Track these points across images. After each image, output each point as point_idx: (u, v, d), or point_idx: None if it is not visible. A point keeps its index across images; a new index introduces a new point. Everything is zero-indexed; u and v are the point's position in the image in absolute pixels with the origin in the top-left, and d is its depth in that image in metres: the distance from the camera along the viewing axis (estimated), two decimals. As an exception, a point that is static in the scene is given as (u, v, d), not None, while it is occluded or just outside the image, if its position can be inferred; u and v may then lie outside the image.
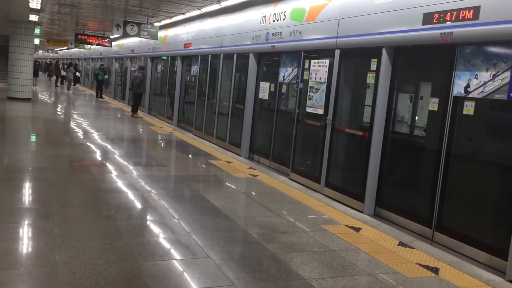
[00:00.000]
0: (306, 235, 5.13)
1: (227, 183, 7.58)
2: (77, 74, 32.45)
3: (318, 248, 4.73)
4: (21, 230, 4.60)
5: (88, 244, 4.31)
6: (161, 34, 16.39)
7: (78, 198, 5.99)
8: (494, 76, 4.77)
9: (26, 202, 5.69)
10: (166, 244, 4.52)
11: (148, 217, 5.43)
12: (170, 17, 14.55)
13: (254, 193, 7.03)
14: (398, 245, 5.03)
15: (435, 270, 4.36)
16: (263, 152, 9.74)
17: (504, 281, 4.27)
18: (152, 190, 6.52)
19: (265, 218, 5.65)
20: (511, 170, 4.64)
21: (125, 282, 3.57)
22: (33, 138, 10.87)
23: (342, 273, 4.16)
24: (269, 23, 9.18)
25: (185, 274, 3.88)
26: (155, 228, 5.03)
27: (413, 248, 4.96)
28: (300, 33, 8.06)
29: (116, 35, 19.35)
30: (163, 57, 17.22)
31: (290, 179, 8.05)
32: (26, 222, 4.83)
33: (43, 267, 3.74)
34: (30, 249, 4.15)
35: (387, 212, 6.13)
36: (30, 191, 6.16)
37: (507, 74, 4.63)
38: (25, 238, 4.42)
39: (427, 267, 4.43)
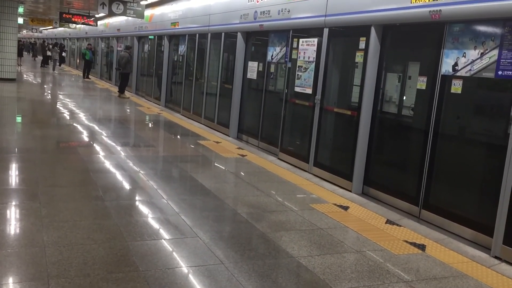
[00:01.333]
0: (294, 214, 5.16)
1: (215, 163, 7.57)
2: (63, 54, 31.95)
3: (306, 227, 4.76)
4: (8, 211, 4.56)
5: (76, 224, 4.29)
6: (148, 13, 16.15)
7: (66, 178, 5.94)
8: (482, 54, 4.77)
9: (13, 183, 5.63)
10: (155, 224, 4.51)
11: (137, 197, 5.41)
12: (157, -5, 14.34)
13: (243, 173, 7.03)
14: (386, 223, 5.09)
15: (422, 247, 4.42)
16: (251, 132, 9.72)
17: (489, 257, 4.34)
18: (140, 171, 6.49)
19: (254, 198, 5.66)
20: (497, 148, 4.67)
21: (114, 262, 3.57)
22: (18, 119, 10.72)
23: (330, 250, 4.19)
24: (257, 2, 9.07)
25: (174, 253, 3.88)
26: (143, 208, 5.02)
27: (401, 226, 5.01)
28: (289, 11, 7.98)
29: (101, 14, 19.02)
30: (150, 37, 16.99)
31: (279, 158, 8.06)
32: (13, 203, 4.78)
33: (31, 248, 3.71)
34: (17, 230, 4.12)
35: (375, 190, 6.17)
36: (17, 172, 6.09)
37: (495, 52, 4.64)
38: (12, 219, 4.38)
39: (414, 244, 4.49)
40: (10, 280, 3.21)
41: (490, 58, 4.69)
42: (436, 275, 3.85)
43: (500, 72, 4.57)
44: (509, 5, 4.35)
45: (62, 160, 6.95)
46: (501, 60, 4.56)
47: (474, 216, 4.91)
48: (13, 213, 4.52)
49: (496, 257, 4.32)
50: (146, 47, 17.82)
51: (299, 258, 3.96)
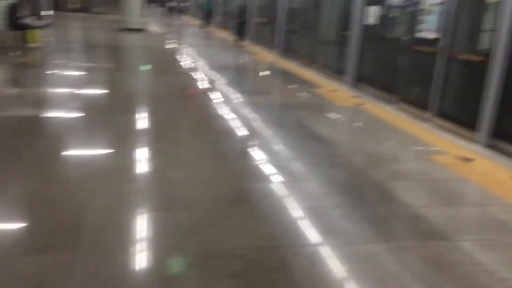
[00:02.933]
0: (411, 163, 5.02)
1: (330, 111, 7.54)
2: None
3: (424, 177, 4.62)
4: (139, 150, 5.02)
5: (200, 164, 4.62)
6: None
7: (189, 122, 6.35)
8: None
9: (143, 125, 6.15)
10: (270, 168, 4.69)
11: (252, 142, 5.63)
12: None
13: (358, 122, 6.93)
14: (514, 177, 4.75)
15: (554, 205, 4.09)
16: (369, 80, 9.44)
17: None
18: (257, 117, 6.70)
19: (369, 146, 5.59)
20: None
21: (233, 201, 3.81)
22: (147, 68, 11.52)
23: (449, 202, 4.05)
24: None
25: (289, 195, 4.02)
26: (259, 153, 5.22)
27: (531, 182, 4.66)
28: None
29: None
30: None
31: (398, 108, 7.78)
32: (144, 142, 5.24)
33: (162, 182, 4.09)
34: (150, 167, 4.53)
35: (504, 143, 5.74)
36: (146, 115, 6.62)
37: None
38: (144, 158, 4.82)
39: (545, 201, 4.16)
40: (146, 208, 3.59)
41: None
42: None
43: None
44: None
45: (185, 105, 7.41)
46: None
47: None
48: (144, 153, 4.97)
49: None
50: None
51: (416, 208, 3.89)
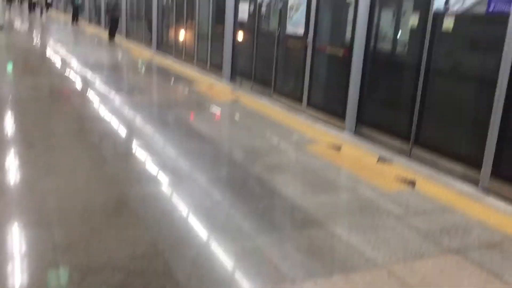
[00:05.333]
0: (288, 155, 5.26)
1: (209, 108, 7.60)
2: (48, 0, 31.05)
3: (300, 167, 4.87)
4: (6, 160, 4.63)
5: (74, 172, 4.39)
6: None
7: (61, 127, 5.98)
8: (475, -11, 4.71)
9: (9, 132, 5.68)
10: (152, 169, 4.61)
11: (133, 143, 5.48)
12: None
13: (236, 116, 7.08)
14: (378, 161, 5.20)
15: (412, 183, 4.55)
16: (245, 75, 9.67)
17: (477, 191, 4.49)
18: (135, 117, 6.53)
19: (248, 141, 5.75)
20: (487, 84, 4.70)
21: (113, 208, 3.68)
22: (9, 67, 10.61)
23: (324, 189, 4.32)
24: None
25: (172, 196, 4.00)
26: (140, 154, 5.10)
27: (392, 163, 5.14)
28: None
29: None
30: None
31: (273, 100, 8.08)
32: (11, 151, 4.85)
33: (32, 195, 3.82)
34: (17, 179, 4.21)
35: (367, 129, 6.26)
36: (12, 121, 6.12)
37: (488, -14, 4.57)
38: (12, 168, 4.46)
39: (404, 181, 4.62)
40: (15, 224, 3.33)
41: (482, -7, 4.63)
42: (425, 209, 4.00)
43: (491, 8, 4.53)
44: None
45: (56, 108, 6.97)
46: (493, -5, 4.50)
47: (463, 151, 5.03)
48: (12, 162, 4.60)
49: (483, 190, 4.47)
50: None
51: (293, 198, 4.09)
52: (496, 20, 4.58)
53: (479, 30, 4.98)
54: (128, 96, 7.99)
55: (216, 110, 7.46)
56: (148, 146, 5.32)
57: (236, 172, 4.68)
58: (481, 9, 4.64)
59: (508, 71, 4.25)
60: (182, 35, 12.53)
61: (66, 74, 9.76)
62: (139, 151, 5.20)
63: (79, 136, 5.58)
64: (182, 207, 3.79)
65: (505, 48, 4.27)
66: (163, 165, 4.72)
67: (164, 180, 4.35)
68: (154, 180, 4.34)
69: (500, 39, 4.36)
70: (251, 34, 9.32)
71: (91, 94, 7.94)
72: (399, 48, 6.01)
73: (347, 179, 4.62)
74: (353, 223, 3.66)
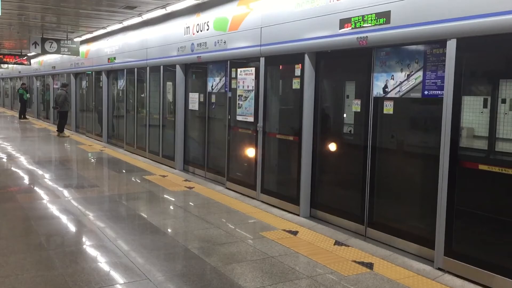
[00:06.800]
0: (245, 244, 5.18)
1: (163, 198, 7.48)
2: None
3: (257, 256, 4.79)
4: None
5: (18, 278, 4.11)
6: (83, 49, 15.91)
7: (5, 228, 5.68)
8: (409, 76, 5.06)
9: None
10: (103, 269, 4.40)
11: (83, 242, 5.25)
12: (91, 32, 14.17)
13: (191, 206, 6.99)
14: (334, 244, 5.20)
15: (369, 266, 4.55)
16: (198, 163, 9.70)
17: (433, 269, 4.53)
18: (86, 213, 6.32)
19: (203, 231, 5.64)
20: (431, 162, 4.92)
21: (62, 315, 3.45)
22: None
23: (283, 278, 4.24)
24: (193, 34, 9.17)
25: (125, 298, 3.80)
26: (90, 253, 4.88)
27: (349, 246, 5.15)
28: (225, 42, 8.12)
29: (34, 53, 18.54)
30: (87, 72, 16.70)
31: (227, 188, 8.08)
32: None
33: (-30, 310, 3.52)
34: (-46, 292, 3.90)
35: (322, 212, 6.31)
36: (-49, 227, 5.77)
37: (420, 73, 4.93)
38: None
39: (362, 263, 4.61)
40: None
41: (416, 79, 4.97)
42: (385, 292, 3.97)
43: (426, 92, 4.86)
44: (428, 29, 4.65)
45: (2, 208, 6.64)
46: (426, 81, 4.85)
47: (416, 230, 5.12)
48: (-52, 274, 4.28)
49: (439, 269, 4.51)
50: (84, 83, 17.49)
51: (252, 290, 3.97)
52: (432, 102, 4.89)
53: (418, 111, 5.30)
54: (78, 192, 7.77)
55: (169, 200, 7.35)
56: (98, 243, 5.11)
57: (192, 266, 4.53)
58: (418, 93, 4.97)
59: (448, 149, 4.47)
60: (133, 125, 12.58)
61: (13, 170, 9.45)
62: (89, 250, 4.98)
63: (25, 237, 5.30)
64: (136, 310, 3.59)
65: (442, 128, 4.53)
66: (115, 263, 4.51)
67: (117, 280, 4.14)
68: (105, 280, 4.13)
69: (438, 119, 4.63)
70: (202, 122, 9.49)
71: (39, 191, 7.67)
72: (345, 131, 6.25)
73: (305, 266, 4.56)
74: (315, 313, 3.56)
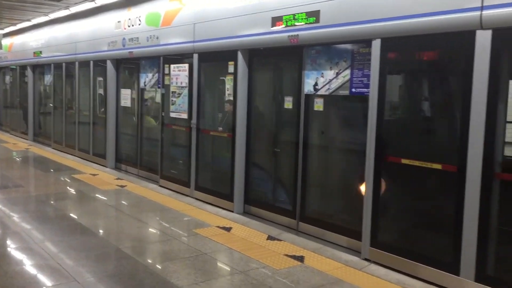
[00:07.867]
0: (178, 242, 5.15)
1: (93, 198, 7.26)
2: None
3: (191, 254, 4.77)
4: None
5: None
6: (7, 42, 15.09)
7: None
8: (338, 74, 5.22)
9: None
10: (28, 272, 4.21)
11: (7, 245, 4.99)
12: (15, 24, 13.46)
13: (123, 205, 6.84)
14: (267, 239, 5.29)
15: (300, 259, 4.67)
16: (130, 160, 9.49)
17: (360, 260, 4.72)
18: (10, 214, 6.01)
19: (136, 230, 5.54)
20: (358, 157, 5.11)
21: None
22: None
23: (216, 275, 4.26)
24: (125, 29, 8.96)
25: (51, 302, 3.66)
26: (15, 256, 4.65)
27: (281, 240, 5.25)
28: (157, 38, 8.00)
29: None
30: (11, 67, 15.84)
31: (160, 186, 7.97)
32: None
33: None
34: None
35: (256, 208, 6.38)
36: None
37: (348, 71, 5.11)
38: None
39: (293, 257, 4.73)
40: None
41: (344, 77, 5.15)
42: (315, 284, 4.10)
43: (353, 90, 5.04)
44: (355, 29, 4.83)
45: None
46: (353, 79, 5.04)
47: (346, 223, 5.31)
48: None
49: (366, 259, 4.71)
50: (8, 78, 16.56)
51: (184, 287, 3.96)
52: (359, 99, 5.08)
53: (346, 108, 5.49)
54: (1, 193, 7.37)
55: (100, 199, 7.15)
56: (24, 246, 4.88)
57: (124, 266, 4.44)
58: (346, 91, 5.15)
59: (373, 145, 4.67)
60: (61, 123, 12.08)
61: None
62: (13, 253, 4.75)
63: None
64: (64, 313, 3.48)
65: (369, 124, 4.72)
66: (42, 266, 4.34)
67: (43, 283, 3.98)
68: (30, 284, 3.96)
69: (365, 115, 4.82)
70: (135, 119, 9.29)
71: (-44, 193, 7.21)
72: (277, 127, 6.34)
73: (238, 261, 4.60)
74: (247, 307, 3.62)
